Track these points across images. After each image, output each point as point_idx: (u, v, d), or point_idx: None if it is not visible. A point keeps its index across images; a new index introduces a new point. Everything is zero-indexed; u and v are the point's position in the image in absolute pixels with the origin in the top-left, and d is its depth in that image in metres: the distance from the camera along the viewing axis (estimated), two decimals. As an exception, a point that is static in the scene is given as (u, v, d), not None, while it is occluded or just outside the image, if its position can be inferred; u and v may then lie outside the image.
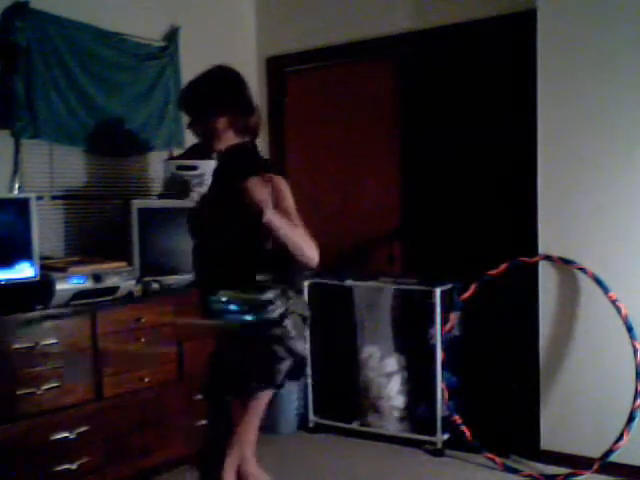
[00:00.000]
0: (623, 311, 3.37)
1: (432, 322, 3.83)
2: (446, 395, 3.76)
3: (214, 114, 2.28)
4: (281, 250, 2.18)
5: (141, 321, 3.45)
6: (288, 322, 2.31)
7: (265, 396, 2.34)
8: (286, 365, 2.30)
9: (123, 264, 3.46)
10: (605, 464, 3.38)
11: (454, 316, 3.80)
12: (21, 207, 3.18)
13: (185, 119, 2.45)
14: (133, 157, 4.05)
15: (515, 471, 3.55)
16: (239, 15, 4.74)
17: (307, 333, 2.48)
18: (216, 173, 2.24)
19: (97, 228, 3.86)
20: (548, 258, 3.57)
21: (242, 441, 2.36)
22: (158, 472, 3.52)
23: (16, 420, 2.96)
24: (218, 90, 2.32)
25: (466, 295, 3.74)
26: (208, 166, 2.22)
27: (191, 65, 4.22)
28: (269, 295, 2.27)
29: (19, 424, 2.96)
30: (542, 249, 3.60)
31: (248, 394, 2.32)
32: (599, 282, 3.43)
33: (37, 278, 3.16)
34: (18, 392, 2.96)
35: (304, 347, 2.37)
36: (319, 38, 4.50)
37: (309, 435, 4.15)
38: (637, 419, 3.32)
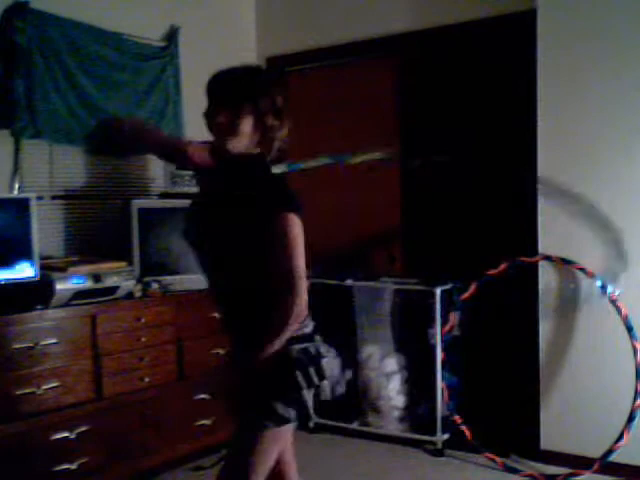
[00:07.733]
0: (623, 311, 3.37)
1: (432, 322, 3.83)
2: (446, 395, 3.76)
3: (243, 107, 1.97)
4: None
5: (141, 321, 3.45)
6: (318, 338, 2.04)
7: (272, 435, 1.94)
8: (309, 394, 1.96)
9: (123, 264, 3.46)
10: (605, 464, 3.37)
11: (454, 316, 3.79)
12: (21, 207, 3.18)
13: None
14: (133, 157, 4.05)
15: (515, 471, 3.55)
16: (239, 15, 4.74)
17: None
18: (220, 179, 2.05)
19: (97, 228, 3.86)
20: (548, 258, 3.57)
21: None
22: (158, 472, 3.51)
23: (16, 420, 2.96)
24: (259, 86, 2.03)
25: (466, 295, 3.73)
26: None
27: (191, 65, 4.25)
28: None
29: (19, 424, 2.96)
30: (542, 249, 3.60)
31: (246, 427, 1.95)
32: (599, 282, 3.43)
33: (37, 278, 3.16)
34: (18, 392, 2.96)
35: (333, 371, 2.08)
36: (319, 38, 4.50)
37: (309, 435, 4.14)
38: (637, 419, 3.32)
